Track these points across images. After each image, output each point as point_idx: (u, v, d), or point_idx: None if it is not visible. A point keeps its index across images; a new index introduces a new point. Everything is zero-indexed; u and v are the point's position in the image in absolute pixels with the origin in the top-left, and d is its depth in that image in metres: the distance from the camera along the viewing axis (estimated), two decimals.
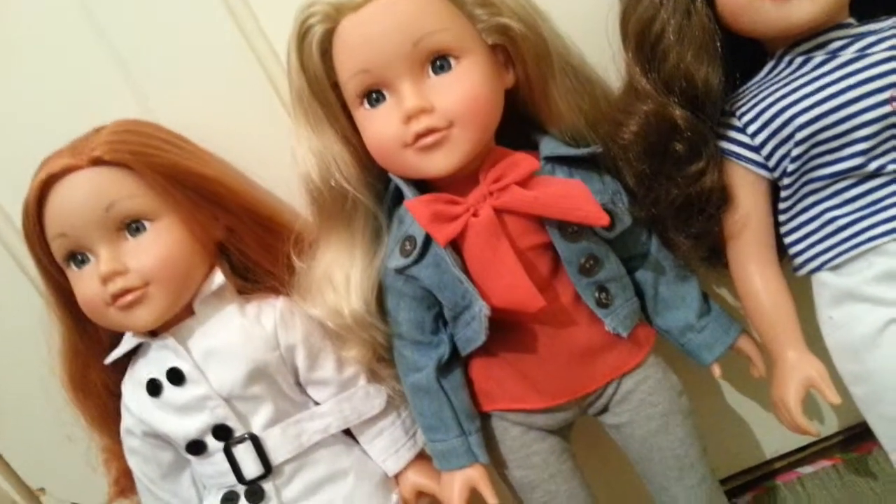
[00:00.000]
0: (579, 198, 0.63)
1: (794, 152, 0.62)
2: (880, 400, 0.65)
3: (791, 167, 0.63)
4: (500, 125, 0.65)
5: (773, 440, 0.92)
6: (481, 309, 0.64)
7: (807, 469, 0.95)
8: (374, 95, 0.63)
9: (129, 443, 0.74)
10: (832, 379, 0.67)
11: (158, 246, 0.67)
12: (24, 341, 0.78)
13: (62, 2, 0.71)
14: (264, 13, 0.73)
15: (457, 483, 0.70)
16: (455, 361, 0.71)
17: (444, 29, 0.61)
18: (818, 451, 0.95)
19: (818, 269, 0.66)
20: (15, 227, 0.74)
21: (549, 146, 0.67)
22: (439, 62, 0.62)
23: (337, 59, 0.63)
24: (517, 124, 0.68)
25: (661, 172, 0.66)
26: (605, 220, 0.62)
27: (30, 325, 0.76)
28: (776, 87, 0.64)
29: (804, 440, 0.91)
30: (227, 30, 0.72)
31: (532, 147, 0.68)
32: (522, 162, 0.64)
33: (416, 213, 0.63)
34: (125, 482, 0.78)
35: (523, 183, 0.64)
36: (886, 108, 0.59)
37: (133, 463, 0.75)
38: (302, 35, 0.64)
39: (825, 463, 0.94)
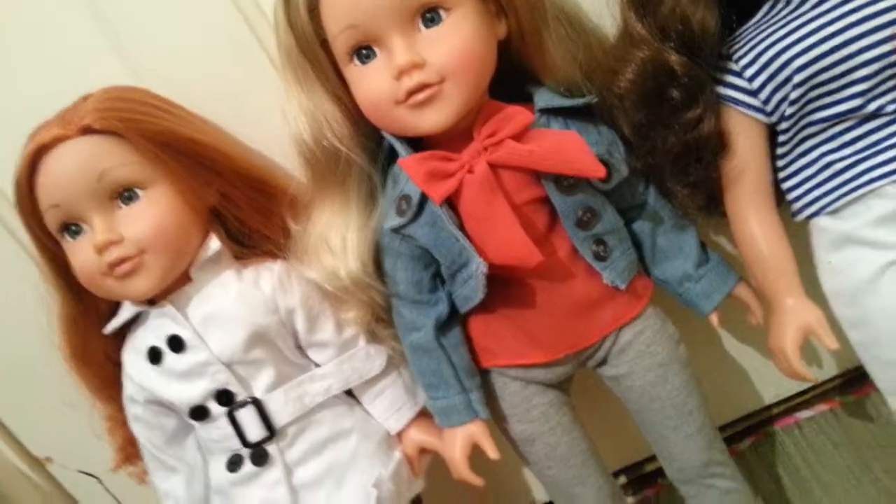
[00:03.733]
0: (575, 150, 0.62)
1: (793, 95, 0.62)
2: (878, 343, 0.65)
3: (789, 110, 0.63)
4: (493, 78, 0.64)
5: (772, 385, 0.93)
6: (479, 266, 0.64)
7: (805, 413, 0.96)
8: (363, 52, 0.62)
9: (132, 410, 0.74)
10: (830, 324, 0.67)
11: (152, 213, 0.66)
12: (22, 313, 0.78)
13: None
14: None
15: (458, 439, 0.71)
16: (453, 319, 0.71)
17: None
18: (817, 395, 0.96)
19: (817, 213, 0.66)
20: (8, 198, 0.73)
21: (543, 98, 0.66)
22: (429, 15, 0.60)
23: (324, 15, 0.62)
24: (511, 76, 0.66)
25: (658, 120, 0.66)
26: (601, 171, 0.62)
27: (27, 297, 0.75)
28: (773, 28, 0.63)
29: (803, 385, 0.92)
30: None
31: (527, 99, 0.67)
32: (517, 115, 0.63)
33: (410, 171, 0.63)
34: (130, 449, 0.79)
35: (518, 136, 0.63)
36: (886, 47, 0.58)
37: (137, 430, 0.75)
38: None
39: (823, 407, 0.96)
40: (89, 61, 0.72)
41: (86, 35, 0.72)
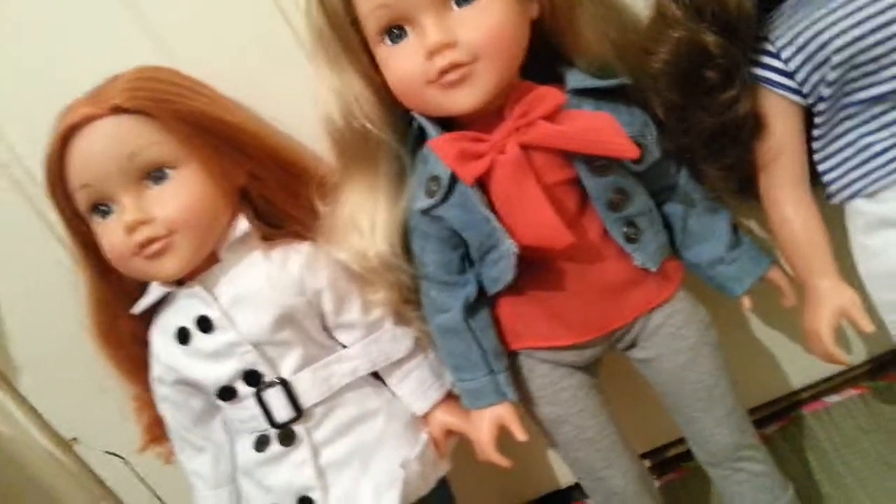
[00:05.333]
0: (608, 131, 0.62)
1: (830, 77, 0.61)
2: None
3: (827, 92, 0.62)
4: (524, 58, 0.64)
5: (800, 370, 0.92)
6: (509, 248, 0.64)
7: (833, 398, 0.95)
8: (395, 31, 0.61)
9: (160, 391, 0.74)
10: (864, 307, 0.67)
11: (182, 194, 0.66)
12: (51, 294, 0.79)
13: None
14: None
15: (486, 421, 0.71)
16: (482, 301, 0.70)
17: None
18: (845, 380, 0.95)
19: (853, 196, 0.65)
20: (37, 180, 0.73)
21: (575, 78, 0.65)
22: None
23: None
24: (542, 57, 0.66)
25: (693, 101, 0.65)
26: (634, 152, 0.61)
27: (56, 279, 0.76)
28: (811, 9, 0.61)
29: (831, 370, 0.91)
30: None
31: (558, 80, 0.66)
32: (548, 95, 0.63)
33: (440, 151, 0.62)
34: (157, 430, 0.79)
35: (550, 117, 0.62)
36: None
37: (164, 410, 0.76)
38: None
39: (852, 392, 0.95)
40: (119, 43, 0.71)
41: (115, 17, 0.71)
